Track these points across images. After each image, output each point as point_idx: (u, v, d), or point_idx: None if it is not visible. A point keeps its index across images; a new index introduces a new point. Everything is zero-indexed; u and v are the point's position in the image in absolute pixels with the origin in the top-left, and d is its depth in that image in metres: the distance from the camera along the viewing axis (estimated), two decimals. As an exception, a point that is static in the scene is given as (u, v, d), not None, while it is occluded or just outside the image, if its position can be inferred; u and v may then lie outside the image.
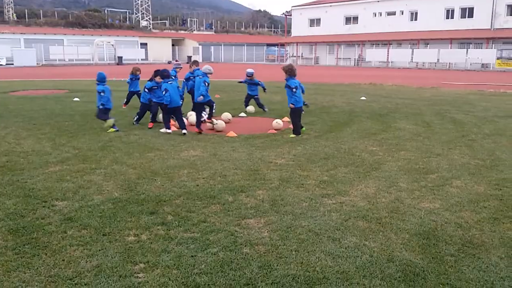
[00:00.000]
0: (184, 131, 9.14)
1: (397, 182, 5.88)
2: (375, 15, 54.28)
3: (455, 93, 18.90)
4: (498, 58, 41.39)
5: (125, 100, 13.27)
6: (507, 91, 19.26)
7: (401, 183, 5.84)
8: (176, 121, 9.52)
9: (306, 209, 4.85)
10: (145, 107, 10.41)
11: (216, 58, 66.18)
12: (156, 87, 9.90)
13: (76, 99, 15.29)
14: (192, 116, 10.30)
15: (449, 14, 47.72)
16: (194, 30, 77.46)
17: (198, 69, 10.70)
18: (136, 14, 72.86)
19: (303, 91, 9.46)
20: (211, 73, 9.82)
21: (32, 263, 3.61)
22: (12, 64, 45.90)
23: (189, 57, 59.78)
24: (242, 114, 12.08)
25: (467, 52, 42.85)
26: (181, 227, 4.35)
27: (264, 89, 12.76)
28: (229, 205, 4.95)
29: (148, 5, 71.98)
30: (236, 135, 9.04)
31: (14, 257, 3.72)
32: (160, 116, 10.01)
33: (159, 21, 77.55)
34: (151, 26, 71.71)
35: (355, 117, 11.62)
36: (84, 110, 12.53)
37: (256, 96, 12.54)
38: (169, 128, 9.31)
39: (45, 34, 56.63)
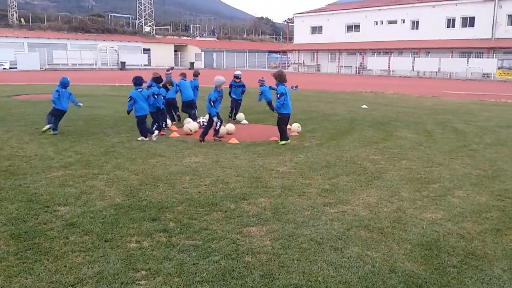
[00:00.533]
0: (141, 138, 9.03)
1: (399, 191, 5.88)
2: (377, 24, 54.49)
3: (456, 102, 18.93)
4: (499, 68, 41.45)
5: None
6: (508, 101, 19.28)
7: (403, 192, 5.84)
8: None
9: (308, 218, 4.85)
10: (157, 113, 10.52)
11: (218, 65, 66.38)
12: (159, 93, 9.99)
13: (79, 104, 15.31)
14: (189, 124, 10.29)
15: (450, 23, 47.89)
16: (197, 36, 77.80)
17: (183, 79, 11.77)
18: (139, 19, 73.20)
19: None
20: (220, 84, 9.10)
21: (34, 269, 3.61)
22: (16, 68, 46.09)
23: (192, 63, 60.05)
24: (244, 122, 12.11)
25: (468, 61, 42.95)
26: (183, 234, 4.35)
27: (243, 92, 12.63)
28: (231, 213, 4.95)
29: (151, 11, 72.34)
30: (238, 142, 9.05)
31: (16, 262, 3.72)
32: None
33: (162, 27, 77.92)
34: (154, 32, 72.05)
35: (357, 125, 11.64)
36: (87, 115, 12.56)
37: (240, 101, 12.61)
38: (145, 136, 9.12)
39: (48, 38, 56.93)
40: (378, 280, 3.53)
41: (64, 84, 9.76)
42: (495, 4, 43.71)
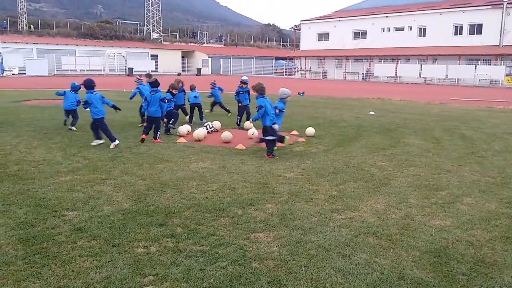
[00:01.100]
0: (115, 143, 8.86)
1: (407, 198, 5.84)
2: (384, 30, 54.51)
3: (463, 109, 18.83)
4: (506, 75, 41.25)
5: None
6: (517, 108, 19.14)
7: (411, 199, 5.80)
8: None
9: (315, 224, 4.83)
10: (170, 115, 10.73)
11: (225, 71, 66.65)
12: (171, 99, 10.33)
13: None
14: (198, 131, 10.30)
15: (458, 30, 47.79)
16: (204, 42, 78.25)
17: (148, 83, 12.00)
18: (147, 26, 73.83)
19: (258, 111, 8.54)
20: (286, 96, 8.83)
21: (42, 273, 3.62)
22: (25, 73, 46.59)
23: (199, 69, 60.39)
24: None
25: (475, 68, 42.79)
26: (190, 239, 4.34)
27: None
28: (238, 218, 4.94)
29: (159, 18, 72.95)
30: (244, 147, 9.06)
31: (24, 266, 3.73)
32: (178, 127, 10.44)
33: (169, 34, 78.49)
34: (161, 38, 72.60)
35: (364, 132, 11.60)
36: (94, 120, 12.62)
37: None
38: (100, 139, 9.06)
39: (57, 44, 57.57)
40: (386, 287, 3.50)
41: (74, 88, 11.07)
42: (503, 11, 43.59)
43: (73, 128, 11.03)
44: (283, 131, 10.41)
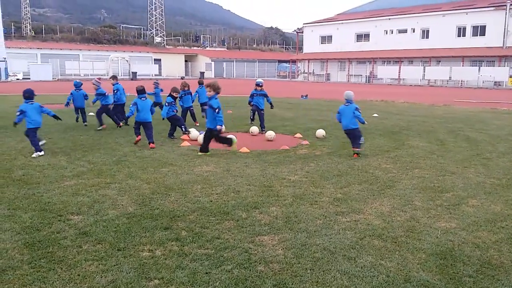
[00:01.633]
0: (39, 153, 8.42)
1: (412, 200, 5.82)
2: (387, 33, 54.50)
3: (468, 111, 18.76)
4: (510, 76, 41.11)
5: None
6: (522, 109, 19.06)
7: (416, 201, 5.78)
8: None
9: (320, 227, 4.82)
10: (177, 121, 10.77)
11: (228, 74, 66.79)
12: (172, 102, 10.41)
13: (91, 113, 15.49)
14: (202, 135, 10.31)
15: (461, 32, 47.72)
16: (207, 46, 78.47)
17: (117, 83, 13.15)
18: (150, 30, 74.14)
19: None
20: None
21: (47, 278, 3.63)
22: (29, 78, 46.84)
23: (202, 73, 60.56)
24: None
25: (479, 70, 42.67)
26: (195, 243, 4.34)
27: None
28: (243, 222, 4.94)
29: (162, 22, 73.25)
30: (248, 150, 9.06)
31: (30, 271, 3.74)
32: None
33: (172, 38, 78.84)
34: (165, 43, 72.86)
35: (368, 134, 11.57)
36: (98, 124, 12.66)
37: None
38: (40, 151, 8.51)
39: (61, 49, 57.95)
40: (392, 290, 3.48)
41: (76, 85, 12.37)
42: (506, 12, 43.49)
43: (86, 124, 12.36)
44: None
